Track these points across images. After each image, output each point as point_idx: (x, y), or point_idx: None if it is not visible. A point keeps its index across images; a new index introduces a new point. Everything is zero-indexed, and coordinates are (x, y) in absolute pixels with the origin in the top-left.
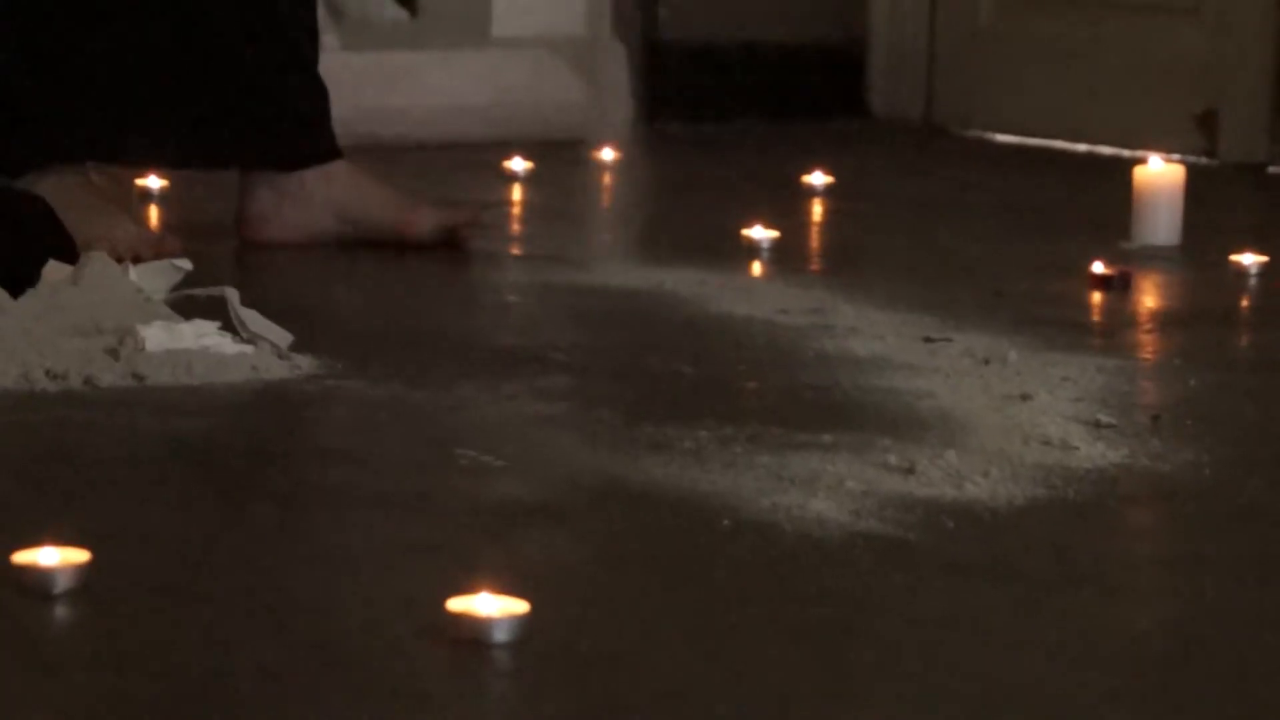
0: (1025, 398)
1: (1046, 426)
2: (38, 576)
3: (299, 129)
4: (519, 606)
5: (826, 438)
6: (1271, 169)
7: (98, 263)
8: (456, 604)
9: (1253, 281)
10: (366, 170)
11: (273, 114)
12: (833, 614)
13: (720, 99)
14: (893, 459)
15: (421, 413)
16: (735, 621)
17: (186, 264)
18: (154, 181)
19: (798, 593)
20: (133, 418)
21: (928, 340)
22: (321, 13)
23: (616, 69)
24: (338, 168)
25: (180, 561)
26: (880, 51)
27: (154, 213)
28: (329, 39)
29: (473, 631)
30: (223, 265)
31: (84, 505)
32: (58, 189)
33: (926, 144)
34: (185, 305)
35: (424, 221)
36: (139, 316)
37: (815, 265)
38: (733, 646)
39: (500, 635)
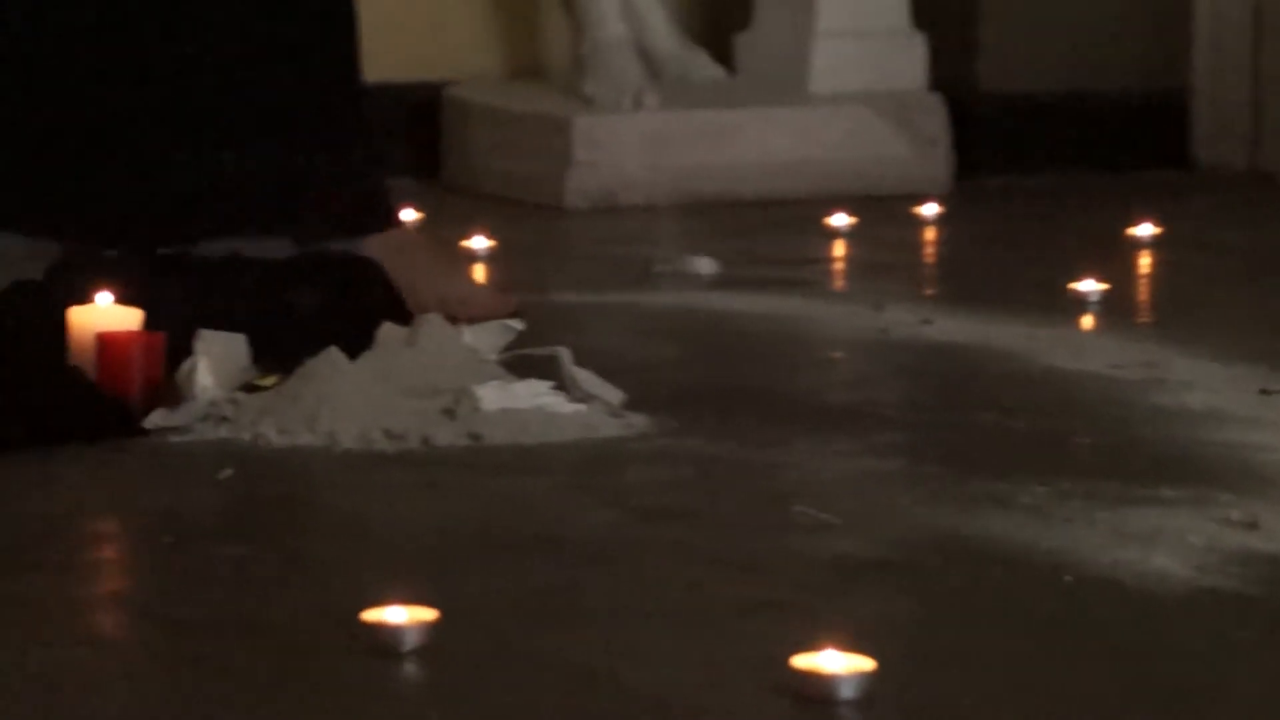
0: None
1: None
2: (386, 634)
3: (352, 202)
4: (864, 664)
5: (1165, 492)
6: None
7: (433, 324)
8: (801, 661)
9: None
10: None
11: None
12: (1178, 671)
13: (1041, 151)
14: (1234, 514)
15: (756, 470)
16: (1079, 679)
17: (519, 324)
18: (480, 241)
19: (1142, 650)
20: (471, 477)
21: (1264, 393)
22: (643, 72)
23: (936, 122)
24: (394, 236)
25: (522, 621)
26: (1203, 100)
27: (480, 271)
28: (650, 99)
29: (819, 689)
30: (553, 324)
31: (428, 564)
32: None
33: (1253, 193)
34: (518, 365)
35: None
36: (474, 377)
37: (1145, 318)
38: (1076, 705)
39: (846, 693)
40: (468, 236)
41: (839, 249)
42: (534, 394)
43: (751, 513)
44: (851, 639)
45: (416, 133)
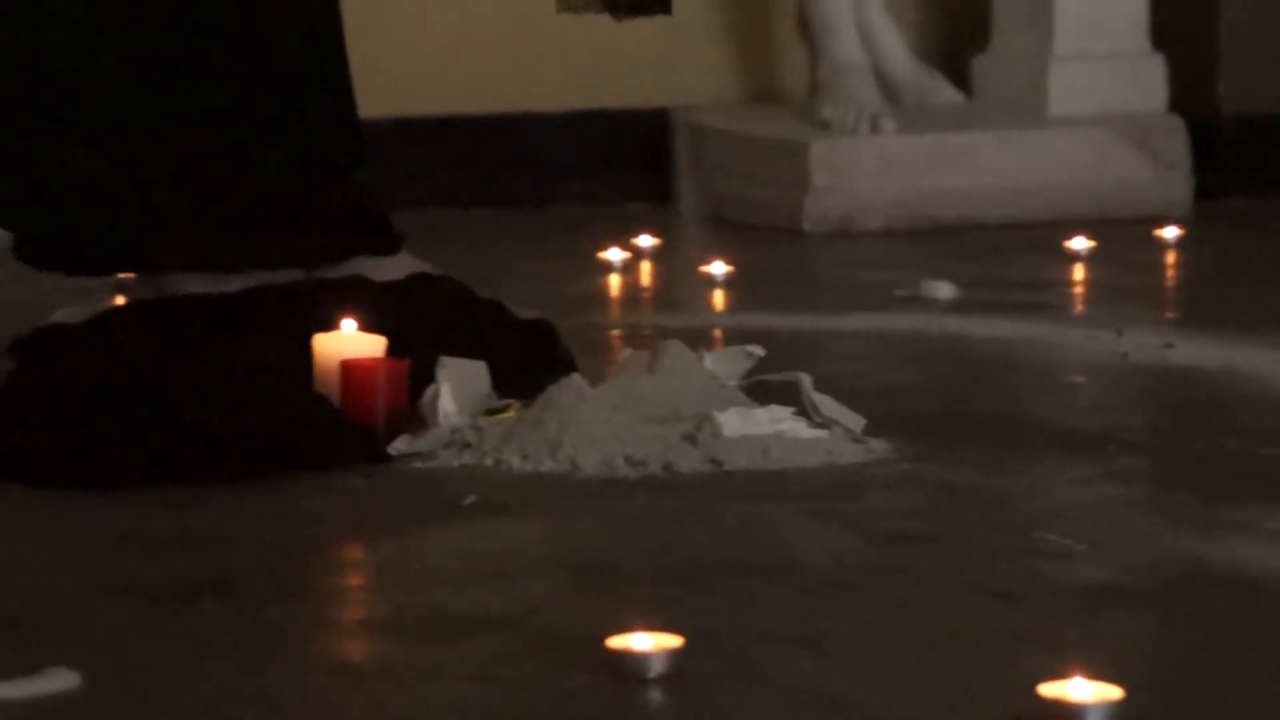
0: None
1: None
2: (632, 661)
3: (347, 224)
4: (1112, 692)
5: None
6: None
7: (674, 350)
8: (1049, 689)
9: None
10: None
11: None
12: None
13: None
14: None
15: (998, 496)
16: None
17: (759, 350)
18: (718, 267)
19: None
20: (712, 503)
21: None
22: (880, 96)
23: (1176, 145)
24: (398, 260)
25: (766, 647)
26: None
27: (719, 298)
28: (887, 123)
29: (1066, 717)
30: (792, 350)
31: (671, 590)
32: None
33: None
34: (759, 390)
35: None
36: (715, 402)
37: None
38: None
39: None
40: (706, 262)
41: (1078, 272)
42: (775, 419)
43: (994, 538)
44: (1098, 666)
45: (652, 159)
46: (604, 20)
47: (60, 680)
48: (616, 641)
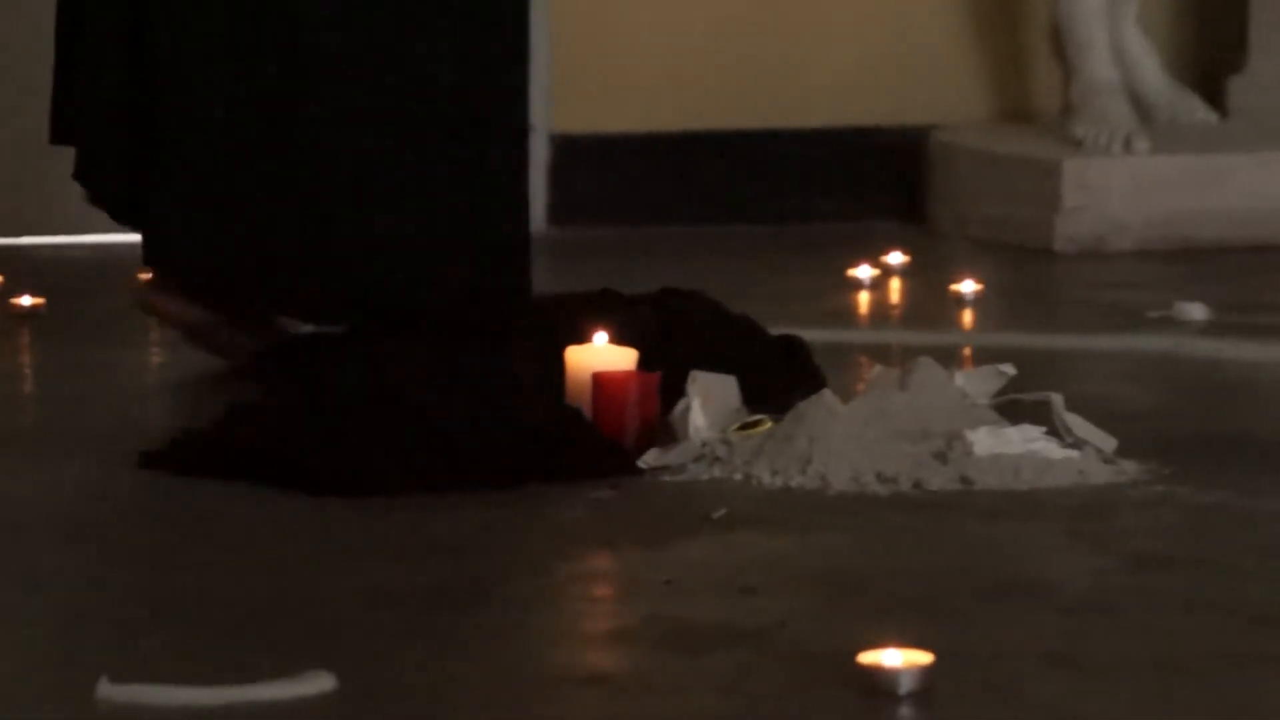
0: None
1: None
2: (883, 677)
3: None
4: None
5: None
6: None
7: (924, 368)
8: None
9: None
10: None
11: None
12: None
13: None
14: None
15: (1251, 518)
16: None
17: (1010, 369)
18: (968, 285)
19: None
20: (963, 522)
21: None
22: (1133, 116)
23: None
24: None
25: (1018, 667)
26: None
27: (969, 317)
28: (1140, 142)
29: None
30: (1044, 369)
31: (921, 607)
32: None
33: None
34: (1010, 409)
35: None
36: (966, 421)
37: None
38: None
39: None
40: (956, 280)
41: None
42: (1026, 439)
43: (1248, 561)
44: None
45: (903, 176)
46: (853, 37)
47: (317, 683)
48: (867, 657)
